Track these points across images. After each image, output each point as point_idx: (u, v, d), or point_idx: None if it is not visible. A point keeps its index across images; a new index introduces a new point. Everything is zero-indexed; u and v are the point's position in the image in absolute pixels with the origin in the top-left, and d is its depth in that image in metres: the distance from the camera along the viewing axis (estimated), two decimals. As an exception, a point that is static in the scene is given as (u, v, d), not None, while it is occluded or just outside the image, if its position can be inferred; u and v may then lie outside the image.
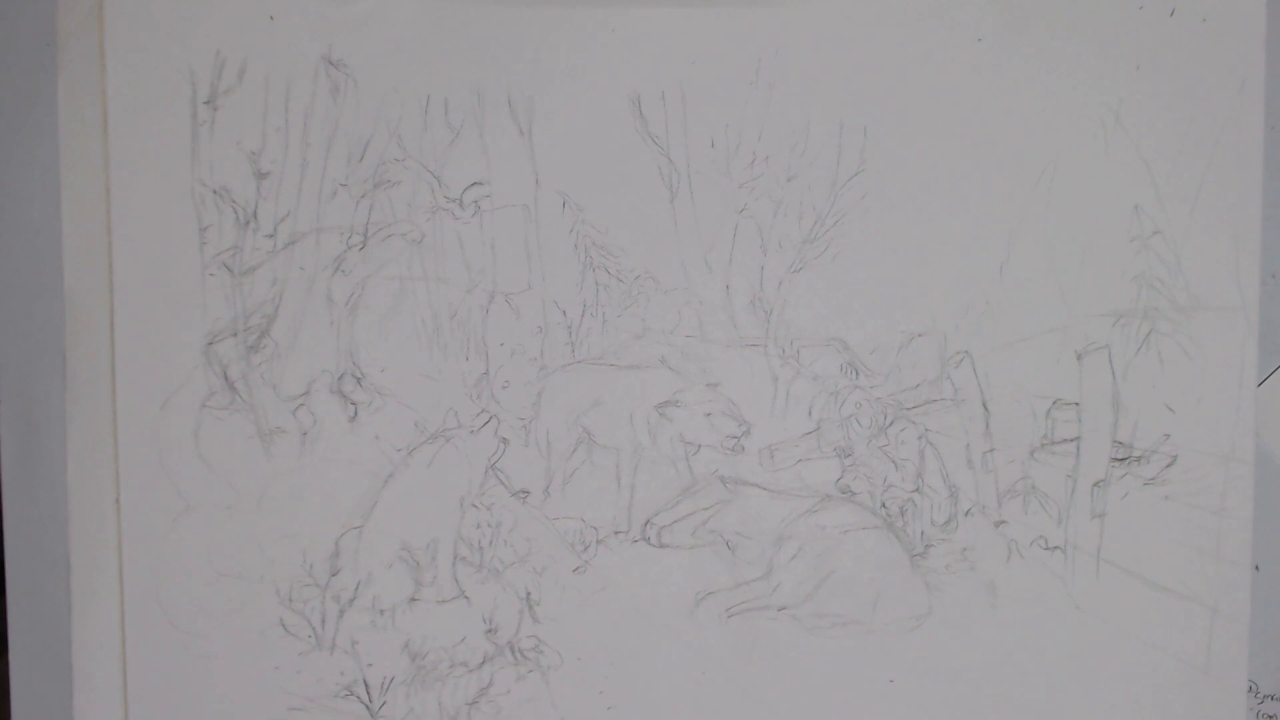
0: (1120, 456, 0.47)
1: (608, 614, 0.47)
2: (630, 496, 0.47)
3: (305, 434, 0.47)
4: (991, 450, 0.47)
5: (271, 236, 0.46)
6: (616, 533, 0.47)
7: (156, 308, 0.47)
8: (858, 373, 0.47)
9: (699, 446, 0.47)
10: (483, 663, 0.48)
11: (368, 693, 0.48)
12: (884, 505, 0.47)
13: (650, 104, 0.46)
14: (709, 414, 0.47)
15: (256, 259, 0.46)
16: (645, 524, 0.47)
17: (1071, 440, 0.47)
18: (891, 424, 0.47)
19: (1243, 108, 0.46)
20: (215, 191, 0.46)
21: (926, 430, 0.47)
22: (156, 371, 0.47)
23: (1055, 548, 0.47)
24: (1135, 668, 0.47)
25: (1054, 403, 0.47)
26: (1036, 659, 0.47)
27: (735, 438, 0.47)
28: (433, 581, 0.47)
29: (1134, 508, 0.47)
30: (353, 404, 0.47)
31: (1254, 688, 0.48)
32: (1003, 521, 0.47)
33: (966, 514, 0.47)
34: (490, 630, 0.47)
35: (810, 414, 0.47)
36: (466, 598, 0.47)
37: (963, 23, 0.46)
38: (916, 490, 0.47)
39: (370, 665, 0.48)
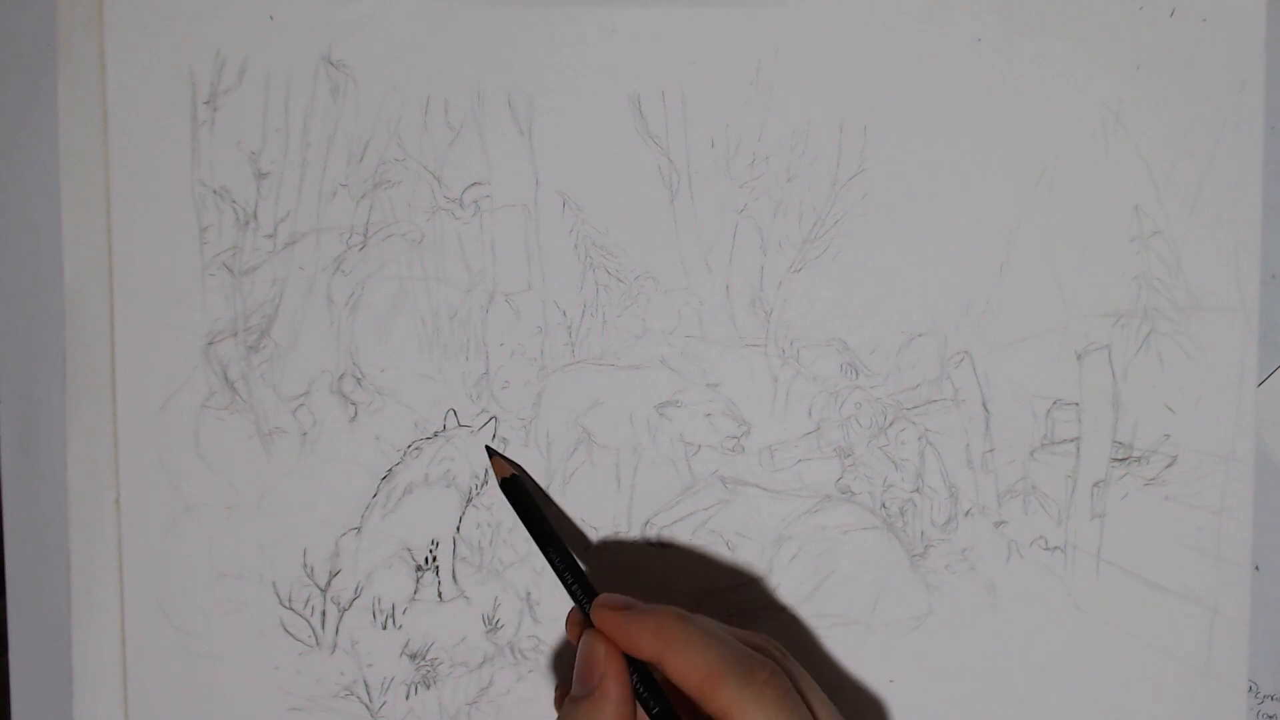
0: (1120, 457, 0.47)
1: (608, 614, 0.47)
2: (630, 496, 0.47)
3: (305, 434, 0.47)
4: (991, 450, 0.47)
5: (271, 236, 0.46)
6: (616, 533, 0.47)
7: (156, 308, 0.47)
8: (858, 373, 0.47)
9: (699, 446, 0.47)
10: (483, 663, 0.48)
11: (368, 693, 0.48)
12: (884, 505, 0.47)
13: (650, 104, 0.46)
14: (709, 414, 0.47)
15: (256, 259, 0.46)
16: (645, 524, 0.47)
17: (1071, 440, 0.47)
18: (891, 424, 0.47)
19: (1243, 108, 0.46)
20: (215, 192, 0.46)
21: (926, 430, 0.47)
22: (156, 371, 0.47)
23: (1055, 548, 0.47)
24: (1135, 668, 0.47)
25: (1054, 403, 0.47)
26: (1036, 659, 0.47)
27: (735, 438, 0.47)
28: (433, 582, 0.47)
29: (1134, 508, 0.47)
30: (353, 404, 0.47)
31: (1254, 688, 0.48)
32: (1003, 522, 0.47)
33: (966, 514, 0.47)
34: (490, 630, 0.47)
35: (810, 414, 0.47)
36: (466, 598, 0.47)
37: (962, 23, 0.46)
38: (916, 490, 0.47)
39: (370, 665, 0.48)
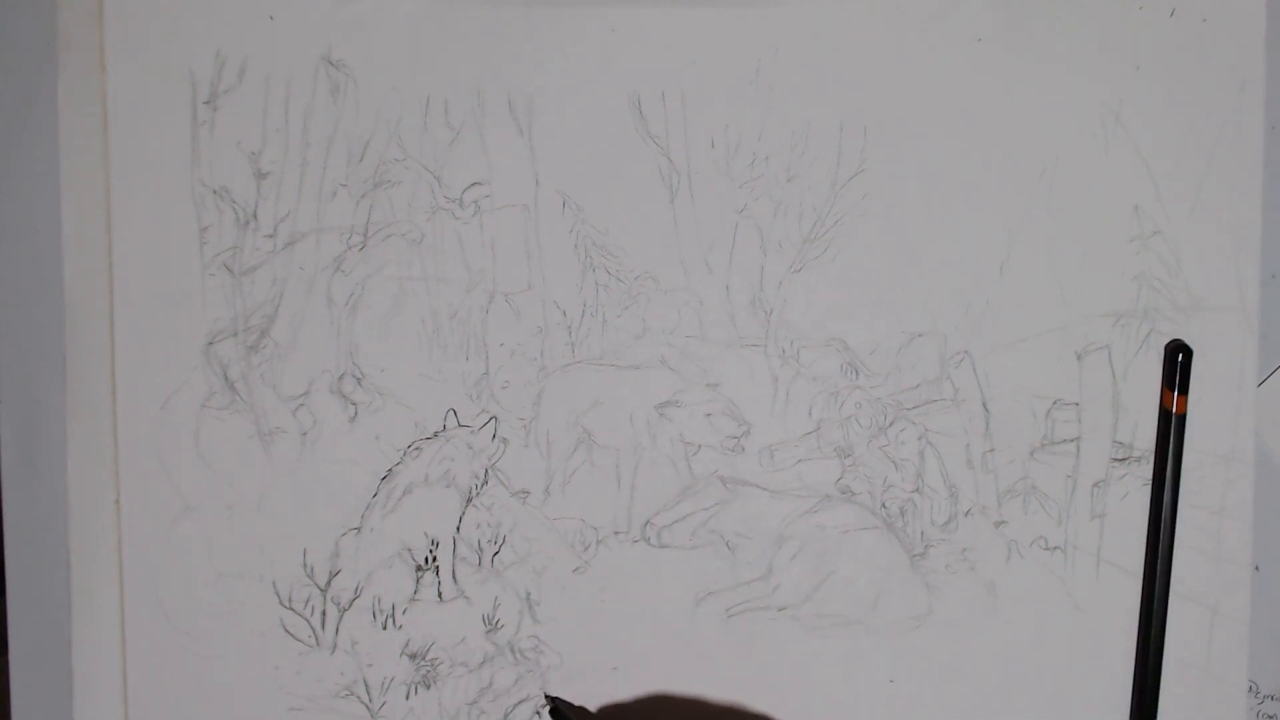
0: (1120, 457, 0.47)
1: (608, 614, 0.47)
2: (630, 496, 0.47)
3: (305, 434, 0.47)
4: (991, 450, 0.47)
5: (271, 236, 0.46)
6: (616, 533, 0.47)
7: (156, 308, 0.47)
8: (858, 373, 0.47)
9: (699, 446, 0.47)
10: (483, 663, 0.48)
11: (368, 693, 0.48)
12: (884, 505, 0.47)
13: (650, 104, 0.46)
14: (709, 414, 0.47)
15: (256, 259, 0.46)
16: (645, 524, 0.47)
17: (1071, 440, 0.47)
18: (891, 424, 0.47)
19: (1243, 108, 0.46)
20: (215, 192, 0.46)
21: (926, 430, 0.47)
22: (156, 371, 0.47)
23: (1055, 548, 0.47)
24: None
25: (1054, 403, 0.47)
26: (1036, 659, 0.47)
27: (735, 438, 0.47)
28: (433, 582, 0.47)
29: (1134, 508, 0.47)
30: (353, 404, 0.47)
31: (1254, 688, 0.48)
32: (1003, 521, 0.47)
33: (966, 514, 0.47)
34: (490, 630, 0.47)
35: (810, 414, 0.47)
36: (466, 598, 0.47)
37: (963, 23, 0.46)
38: (916, 490, 0.47)
39: (370, 665, 0.48)
